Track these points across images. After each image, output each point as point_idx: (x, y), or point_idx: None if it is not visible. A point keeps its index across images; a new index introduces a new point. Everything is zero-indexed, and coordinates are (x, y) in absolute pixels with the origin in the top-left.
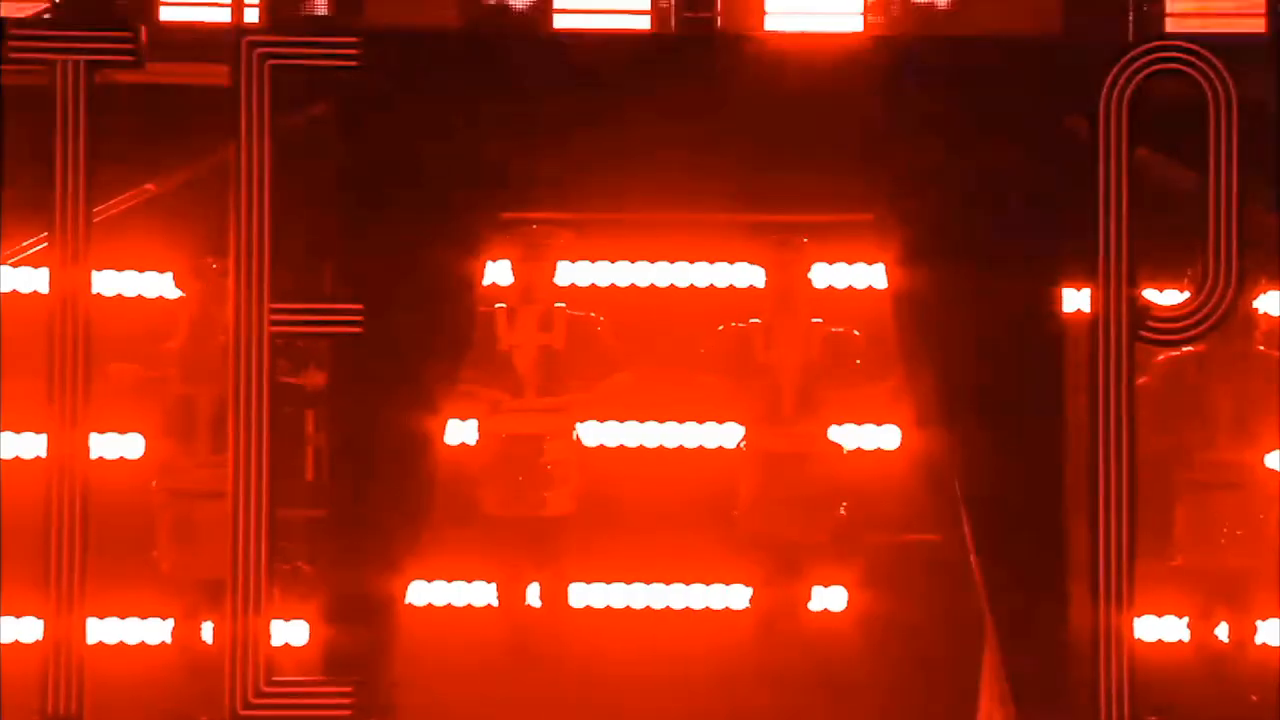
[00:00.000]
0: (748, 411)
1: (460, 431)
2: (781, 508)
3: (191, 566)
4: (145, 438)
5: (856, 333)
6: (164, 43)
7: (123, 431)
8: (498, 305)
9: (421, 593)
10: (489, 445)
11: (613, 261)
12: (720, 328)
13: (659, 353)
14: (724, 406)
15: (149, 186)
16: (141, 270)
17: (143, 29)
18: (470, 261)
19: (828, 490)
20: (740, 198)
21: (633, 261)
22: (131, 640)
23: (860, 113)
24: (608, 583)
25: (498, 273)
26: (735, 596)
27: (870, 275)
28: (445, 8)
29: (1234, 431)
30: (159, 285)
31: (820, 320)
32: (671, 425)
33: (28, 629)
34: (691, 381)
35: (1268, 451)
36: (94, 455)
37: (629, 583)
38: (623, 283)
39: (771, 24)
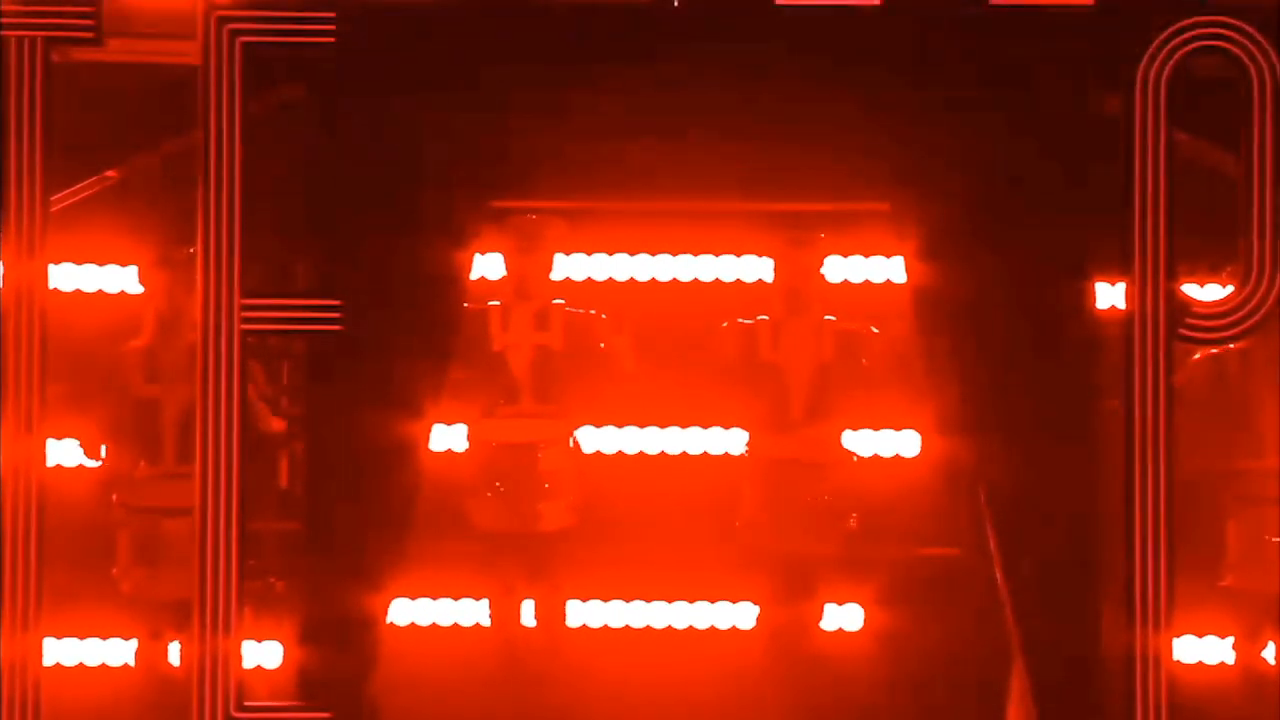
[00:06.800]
0: (753, 415)
1: (447, 438)
2: (789, 520)
3: (157, 584)
4: (107, 445)
5: (874, 330)
6: (127, 18)
7: (83, 437)
8: (490, 302)
9: (405, 611)
10: (480, 454)
11: (610, 254)
12: (724, 325)
13: (662, 352)
14: (728, 410)
15: (110, 173)
16: (102, 264)
17: (104, 3)
18: (459, 254)
19: (840, 501)
20: (749, 185)
21: (632, 254)
22: (92, 662)
23: (876, 92)
24: (606, 600)
25: (490, 267)
26: (743, 615)
27: (888, 269)
28: None
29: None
30: (121, 280)
31: (833, 317)
32: (674, 430)
33: None
34: (695, 383)
35: None
36: (51, 463)
37: (629, 600)
38: (622, 277)
39: None
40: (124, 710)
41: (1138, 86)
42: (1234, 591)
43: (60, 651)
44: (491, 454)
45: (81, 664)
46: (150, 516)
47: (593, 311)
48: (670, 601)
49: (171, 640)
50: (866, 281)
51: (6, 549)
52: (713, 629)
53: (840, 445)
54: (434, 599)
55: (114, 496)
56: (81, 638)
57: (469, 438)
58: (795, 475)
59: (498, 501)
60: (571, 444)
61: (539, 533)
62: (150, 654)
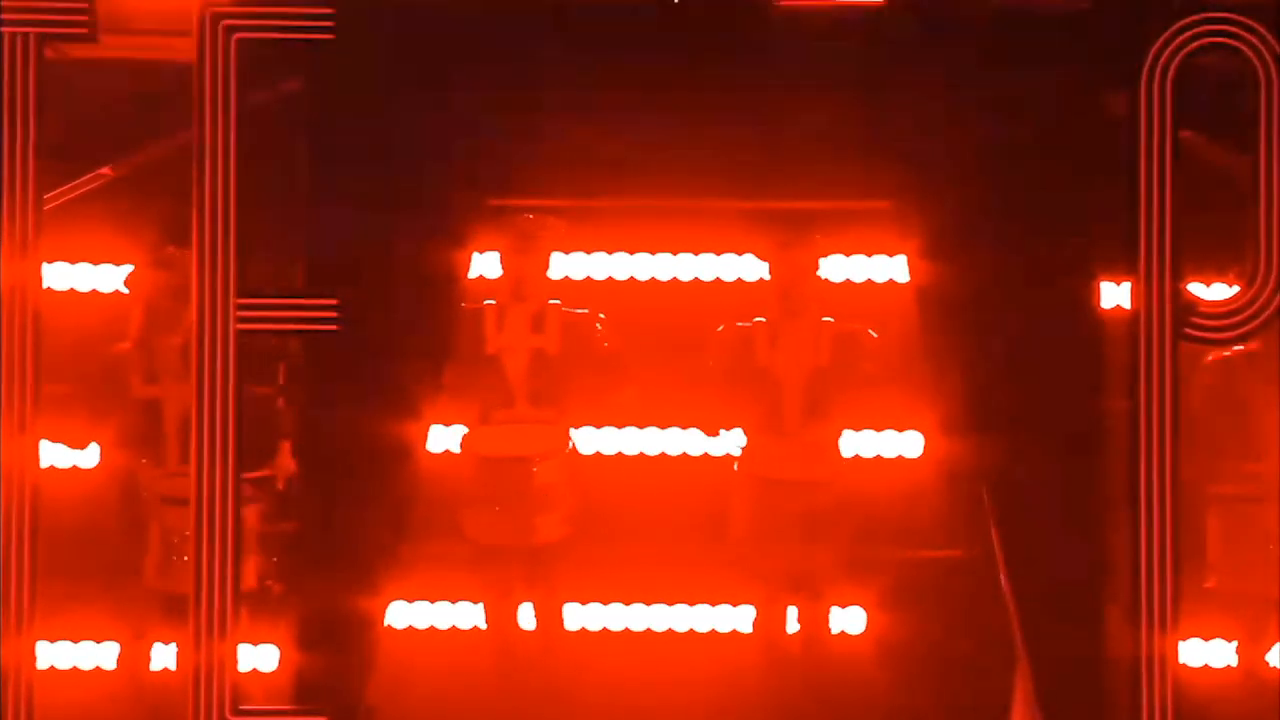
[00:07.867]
0: (749, 419)
1: (444, 438)
2: (788, 522)
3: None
4: (101, 446)
5: (872, 333)
6: (121, 15)
7: (75, 438)
8: (486, 302)
9: (402, 614)
10: (473, 466)
11: (610, 253)
12: (720, 328)
13: (661, 353)
14: (725, 413)
15: (104, 171)
16: (96, 263)
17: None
18: (455, 253)
19: (840, 503)
20: (748, 183)
21: (631, 253)
22: (85, 666)
23: (878, 90)
24: (605, 603)
25: (485, 266)
26: (742, 618)
27: (890, 268)
28: None
29: None
30: (115, 279)
31: (831, 319)
32: (674, 432)
33: None
34: (692, 385)
35: None
36: (44, 464)
37: (628, 604)
38: (621, 276)
39: None
40: (119, 714)
41: (1143, 83)
42: (1238, 594)
43: (54, 655)
44: (485, 466)
45: (75, 668)
46: (153, 516)
47: (590, 312)
48: (670, 605)
49: (166, 642)
50: (869, 281)
51: (1, 551)
52: (713, 632)
53: (838, 447)
54: (432, 602)
55: (123, 496)
56: (75, 641)
57: (462, 447)
58: (793, 477)
59: (491, 515)
60: (568, 451)
61: (534, 545)
62: (144, 657)
